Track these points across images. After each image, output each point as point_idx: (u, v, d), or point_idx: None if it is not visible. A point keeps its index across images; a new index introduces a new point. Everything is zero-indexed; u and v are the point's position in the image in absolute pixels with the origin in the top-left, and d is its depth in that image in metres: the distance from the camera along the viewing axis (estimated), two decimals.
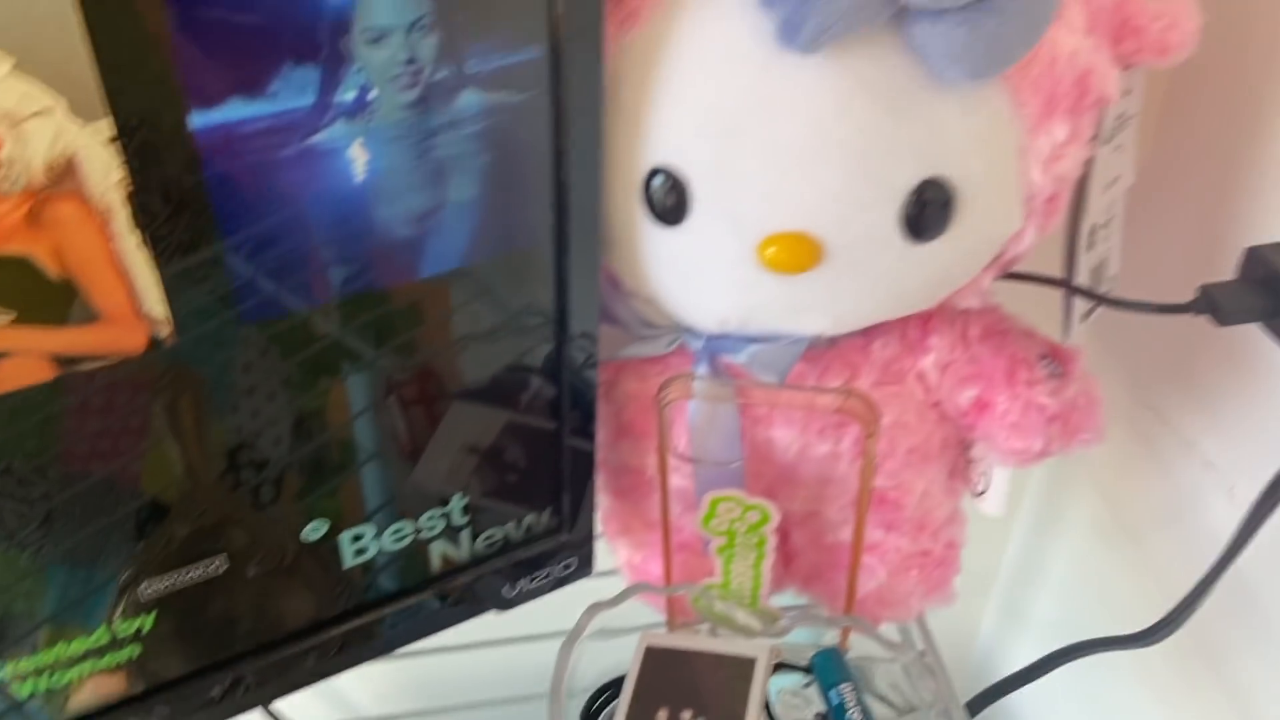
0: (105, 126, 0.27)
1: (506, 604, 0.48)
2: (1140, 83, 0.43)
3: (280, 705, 0.45)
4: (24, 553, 0.33)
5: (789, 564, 0.53)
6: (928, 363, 0.44)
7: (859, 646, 0.52)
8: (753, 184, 0.35)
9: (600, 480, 0.52)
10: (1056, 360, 0.44)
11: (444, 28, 0.30)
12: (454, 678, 0.62)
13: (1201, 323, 0.38)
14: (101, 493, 0.34)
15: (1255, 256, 0.36)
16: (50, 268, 0.29)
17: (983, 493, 0.48)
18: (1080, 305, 0.45)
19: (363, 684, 0.68)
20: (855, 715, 0.45)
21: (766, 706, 0.46)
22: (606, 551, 0.52)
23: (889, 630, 0.52)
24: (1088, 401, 0.43)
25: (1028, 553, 0.74)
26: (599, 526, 0.54)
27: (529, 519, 0.46)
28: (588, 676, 0.49)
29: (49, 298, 0.29)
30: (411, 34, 0.30)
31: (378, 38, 0.29)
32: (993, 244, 0.39)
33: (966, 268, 0.39)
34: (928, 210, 0.36)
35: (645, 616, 0.50)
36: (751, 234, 0.36)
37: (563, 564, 0.48)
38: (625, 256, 0.40)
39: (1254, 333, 0.39)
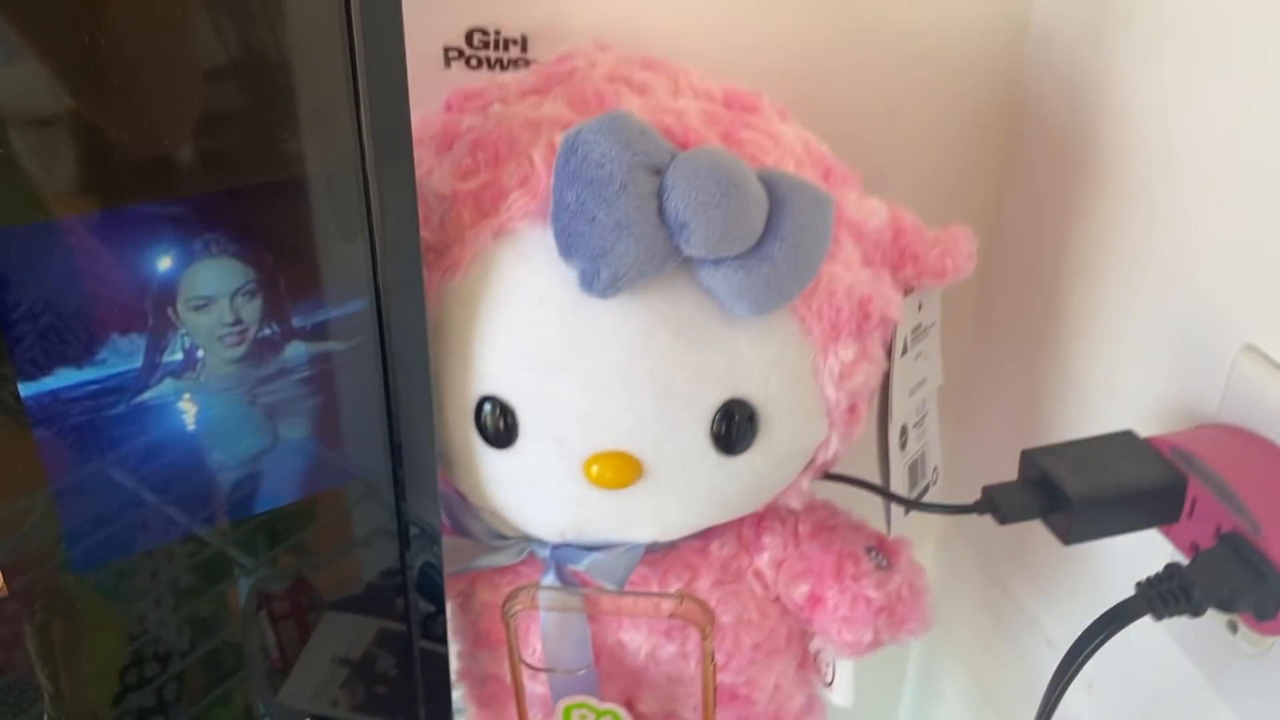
0: None
1: None
2: (935, 296, 0.48)
3: None
4: None
5: None
6: (763, 561, 0.46)
7: None
8: (573, 409, 0.39)
9: (465, 691, 0.53)
10: (883, 552, 0.47)
11: (267, 291, 0.33)
12: None
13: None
14: None
15: (1029, 459, 0.40)
16: None
17: (830, 683, 0.50)
18: (897, 506, 0.49)
19: None
20: None
21: None
22: None
23: None
24: (911, 593, 0.46)
25: None
26: None
27: None
28: None
29: None
30: (236, 299, 0.33)
31: (203, 305, 0.32)
32: (800, 453, 0.42)
33: (781, 475, 0.43)
34: (734, 426, 0.39)
35: None
36: (576, 454, 0.39)
37: None
38: (465, 476, 0.42)
39: None
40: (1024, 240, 0.55)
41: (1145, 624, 0.40)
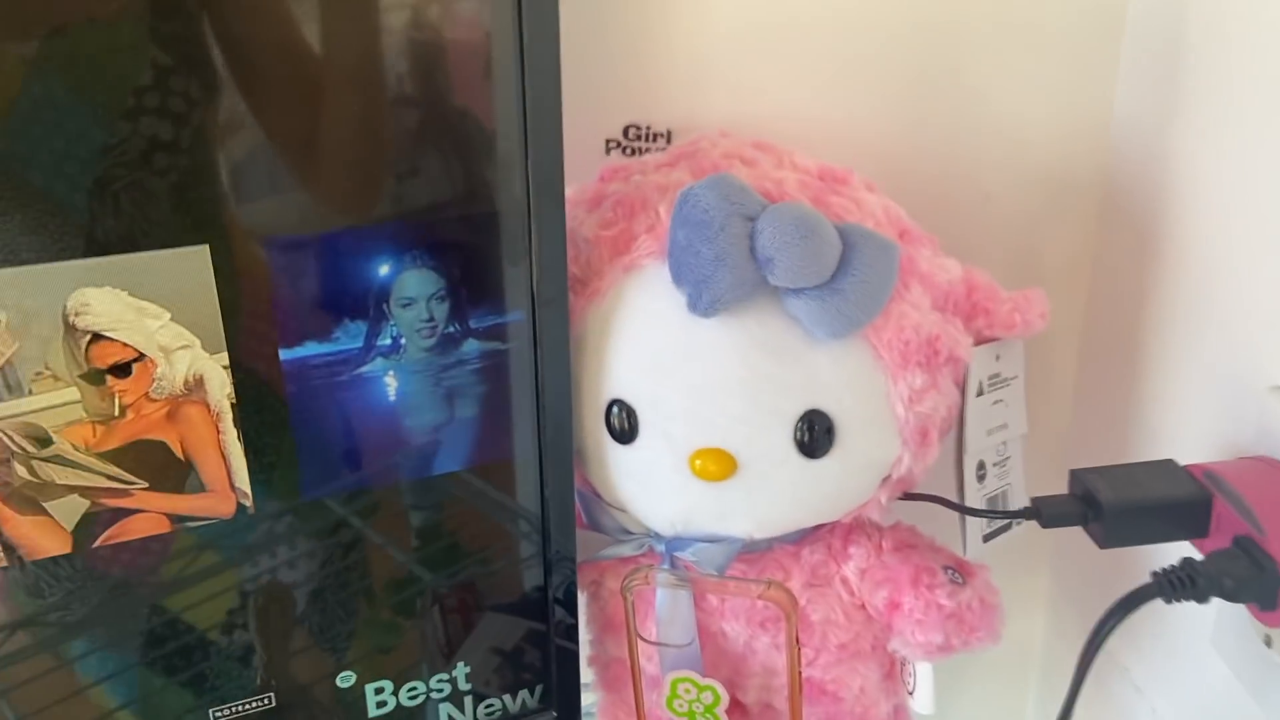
0: (224, 357, 0.42)
1: None
2: (1018, 351, 0.55)
3: None
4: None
5: None
6: (849, 568, 0.53)
7: None
8: (680, 410, 0.48)
9: (595, 675, 0.62)
10: (959, 571, 0.53)
11: (453, 298, 0.45)
12: None
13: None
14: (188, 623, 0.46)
15: (1076, 477, 0.46)
16: (177, 451, 0.43)
17: (912, 691, 0.55)
18: (975, 530, 0.55)
19: None
20: None
21: None
22: None
23: None
24: (983, 606, 0.52)
25: None
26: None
27: (523, 695, 0.55)
28: None
29: (174, 472, 0.43)
30: (431, 301, 0.44)
31: (408, 304, 0.44)
32: (875, 465, 0.50)
33: (858, 483, 0.50)
34: (814, 433, 0.48)
35: None
36: (682, 449, 0.48)
37: None
38: (595, 469, 0.52)
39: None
40: (1109, 310, 0.61)
41: (1209, 658, 0.45)
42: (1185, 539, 0.44)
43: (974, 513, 0.52)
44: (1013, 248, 0.61)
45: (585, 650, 0.61)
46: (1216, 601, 0.49)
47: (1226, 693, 0.51)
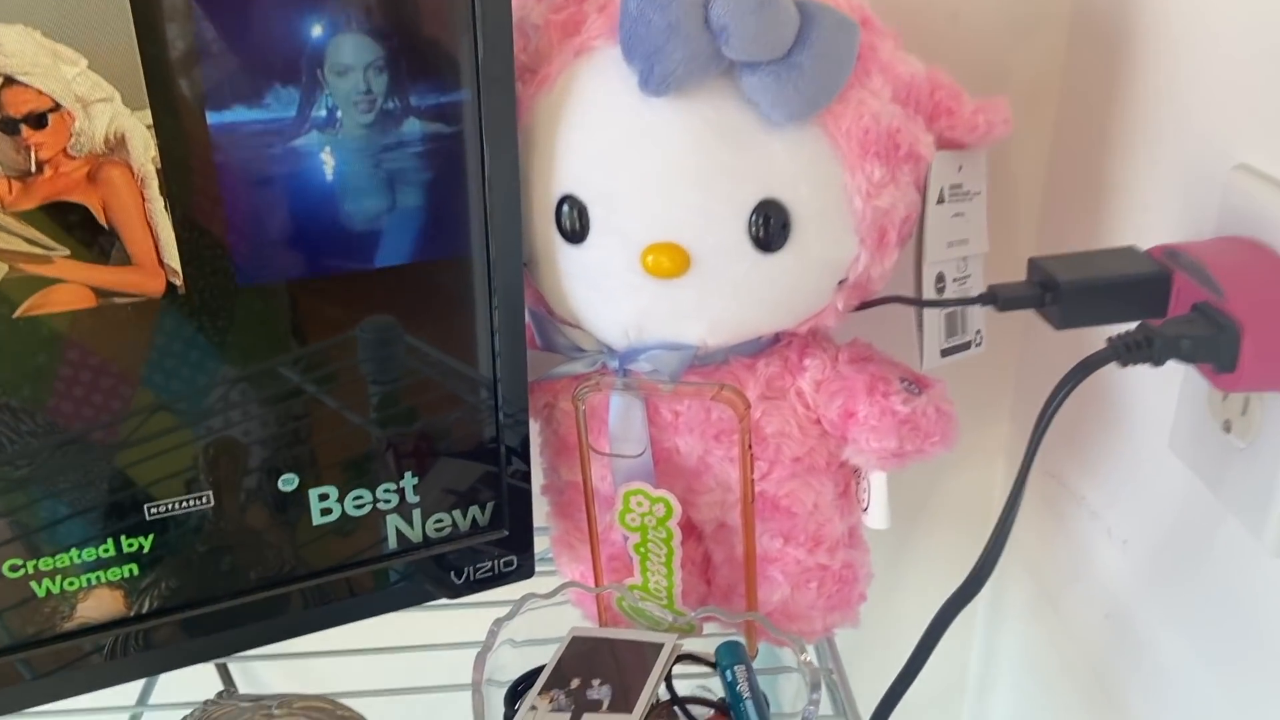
0: (147, 115, 0.40)
1: (455, 591, 0.55)
2: (982, 167, 0.54)
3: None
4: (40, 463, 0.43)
5: (710, 582, 0.59)
6: (804, 381, 0.53)
7: (769, 660, 0.58)
8: (632, 204, 0.46)
9: (549, 505, 0.61)
10: (915, 383, 0.52)
11: (392, 69, 0.43)
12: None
13: (1086, 390, 0.45)
14: (103, 419, 0.44)
15: (1034, 264, 0.45)
16: (100, 216, 0.41)
17: (866, 508, 0.55)
18: (933, 342, 0.54)
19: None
20: (744, 689, 0.50)
21: (670, 684, 0.51)
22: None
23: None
24: (938, 413, 0.51)
25: (989, 652, 0.77)
26: (551, 552, 0.62)
27: (473, 511, 0.54)
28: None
29: (97, 241, 0.41)
30: (368, 71, 0.42)
31: (343, 71, 0.42)
32: (832, 265, 0.48)
33: (815, 285, 0.49)
34: (770, 226, 0.46)
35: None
36: (635, 245, 0.47)
37: (504, 560, 0.56)
38: (547, 276, 0.51)
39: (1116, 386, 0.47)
40: (1077, 129, 0.60)
41: (1164, 469, 0.44)
42: (1143, 318, 0.43)
43: (931, 303, 0.51)
44: (980, 66, 0.60)
45: (539, 481, 0.60)
46: (1173, 404, 0.49)
47: (1182, 502, 0.50)
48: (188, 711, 0.52)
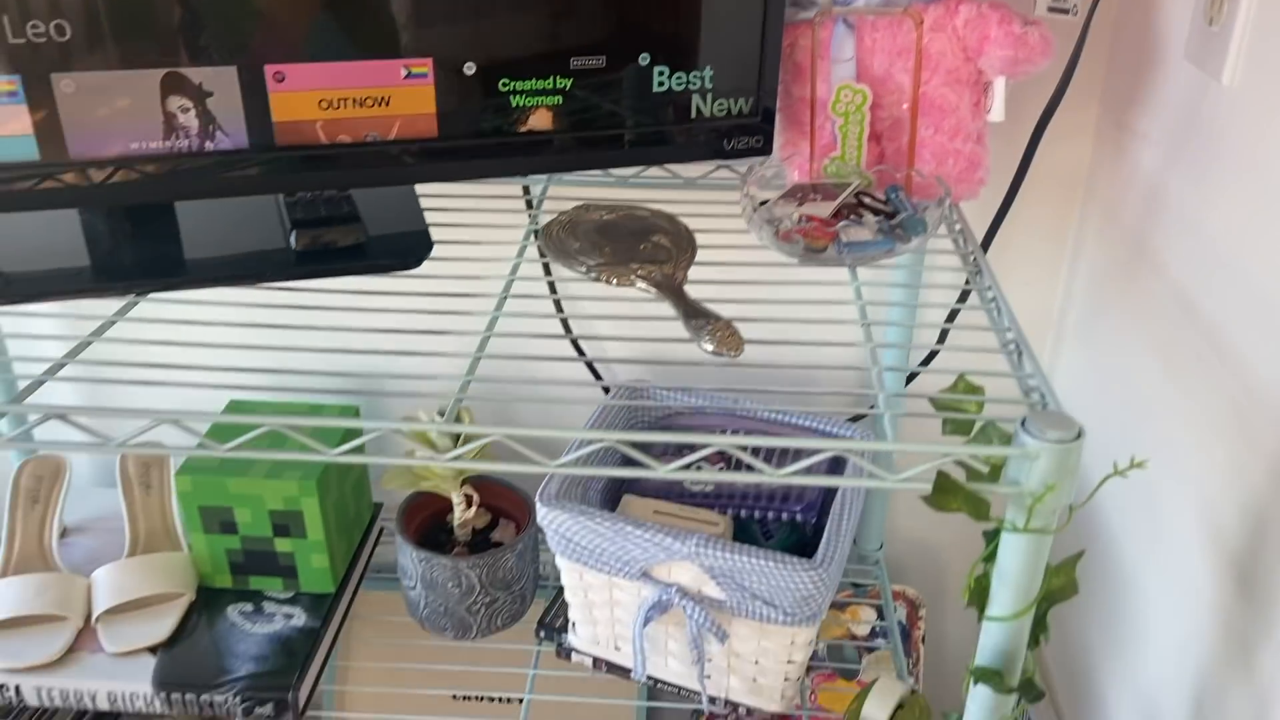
0: None
1: (724, 154, 0.89)
2: None
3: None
4: None
5: (883, 157, 0.93)
6: (959, 20, 0.84)
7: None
8: None
9: (780, 118, 0.94)
10: (1030, 24, 0.83)
11: None
12: None
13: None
14: None
15: None
16: None
17: (989, 110, 0.87)
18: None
19: None
20: (906, 204, 0.83)
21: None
22: None
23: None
24: (1041, 38, 0.82)
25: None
26: (777, 153, 0.95)
27: (741, 101, 0.88)
28: None
29: None
30: None
31: None
32: None
33: None
34: None
35: None
36: None
37: (755, 138, 0.89)
38: None
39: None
40: None
41: (1182, 76, 0.75)
42: None
43: None
44: None
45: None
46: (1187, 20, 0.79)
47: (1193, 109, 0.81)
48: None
